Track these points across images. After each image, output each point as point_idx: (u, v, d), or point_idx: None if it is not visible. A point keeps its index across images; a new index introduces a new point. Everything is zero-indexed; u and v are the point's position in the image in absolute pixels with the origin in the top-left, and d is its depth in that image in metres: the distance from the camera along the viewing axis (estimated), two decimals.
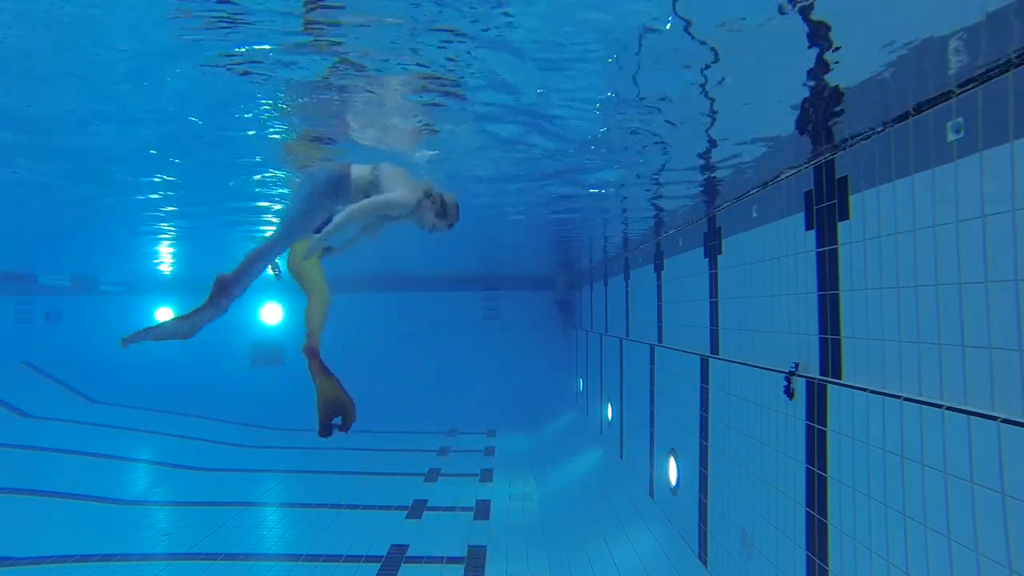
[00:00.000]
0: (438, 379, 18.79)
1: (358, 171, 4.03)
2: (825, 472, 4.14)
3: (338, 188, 3.99)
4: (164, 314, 20.36)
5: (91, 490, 10.81)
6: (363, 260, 13.88)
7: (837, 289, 4.14)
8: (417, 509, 10.21)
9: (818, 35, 2.69)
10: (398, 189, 3.89)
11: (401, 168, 4.07)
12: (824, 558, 4.13)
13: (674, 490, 7.49)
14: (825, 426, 4.16)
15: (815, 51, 2.86)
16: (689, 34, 2.71)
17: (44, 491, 10.46)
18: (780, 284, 5.00)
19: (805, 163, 4.57)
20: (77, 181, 6.04)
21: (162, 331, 4.14)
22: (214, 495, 11.12)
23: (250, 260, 4.11)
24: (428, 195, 3.97)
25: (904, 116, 3.43)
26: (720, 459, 6.04)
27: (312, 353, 5.44)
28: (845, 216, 4.06)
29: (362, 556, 8.22)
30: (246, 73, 3.35)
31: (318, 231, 4.12)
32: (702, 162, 5.02)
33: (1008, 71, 2.73)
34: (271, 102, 3.87)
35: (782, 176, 4.97)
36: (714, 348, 6.47)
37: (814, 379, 4.35)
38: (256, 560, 8.15)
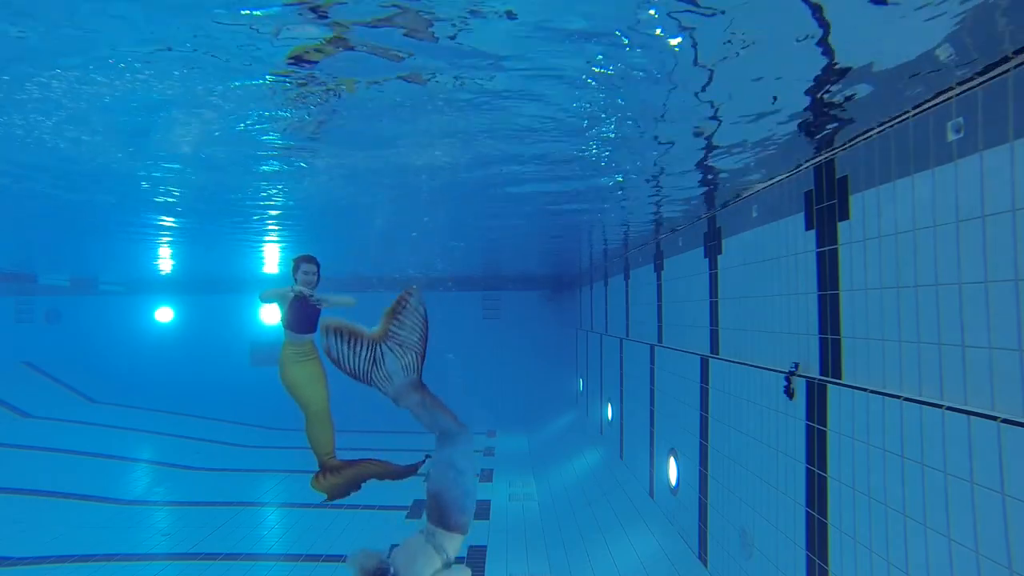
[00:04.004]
0: (437, 379, 18.76)
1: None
2: (825, 472, 4.14)
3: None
4: (164, 314, 20.38)
5: (91, 490, 10.82)
6: (363, 261, 13.89)
7: (837, 289, 4.14)
8: (417, 509, 10.21)
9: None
10: None
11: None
12: (824, 558, 4.13)
13: (674, 490, 7.49)
14: (825, 426, 4.16)
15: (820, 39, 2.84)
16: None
17: (44, 491, 10.46)
18: (780, 284, 5.00)
19: (805, 163, 4.57)
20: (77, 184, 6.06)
21: None
22: (214, 495, 11.13)
23: None
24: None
25: (904, 116, 3.43)
26: (720, 459, 6.04)
27: (329, 467, 5.22)
28: (845, 216, 4.06)
29: None
30: None
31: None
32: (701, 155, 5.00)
33: (1008, 71, 2.73)
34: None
35: (782, 176, 4.97)
36: (714, 348, 6.47)
37: (814, 379, 4.35)
38: (256, 560, 8.16)
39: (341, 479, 5.27)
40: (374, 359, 3.70)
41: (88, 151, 4.83)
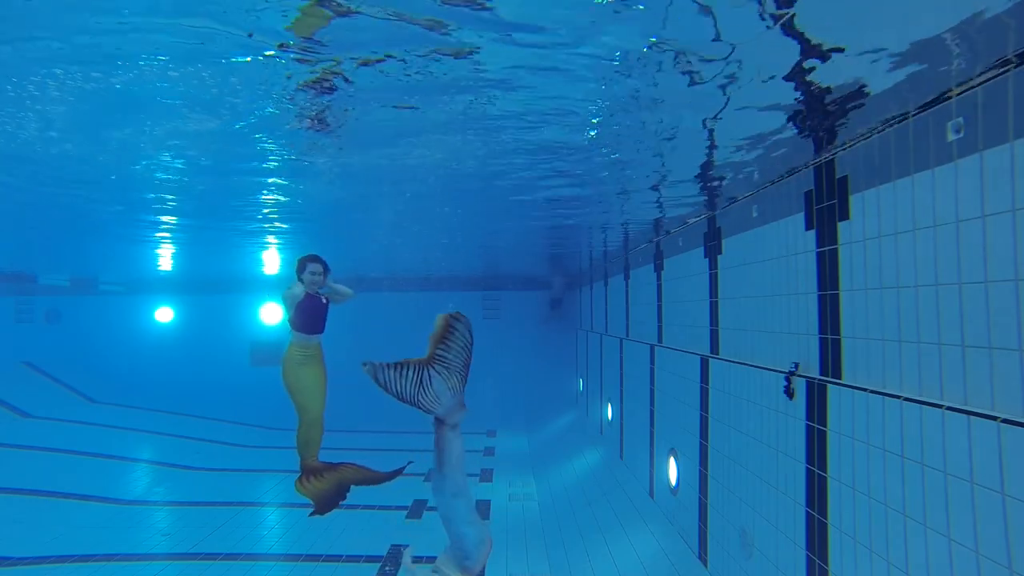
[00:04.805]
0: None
1: None
2: (825, 472, 4.14)
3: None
4: (164, 314, 20.38)
5: (91, 490, 10.82)
6: (363, 261, 13.90)
7: (837, 289, 4.14)
8: (417, 509, 10.21)
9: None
10: None
11: None
12: (824, 558, 4.13)
13: (674, 490, 7.49)
14: (825, 426, 4.16)
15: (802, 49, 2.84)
16: None
17: (44, 491, 10.46)
18: (780, 284, 5.00)
19: (805, 163, 4.57)
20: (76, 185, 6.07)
21: None
22: (214, 495, 11.13)
23: None
24: None
25: (904, 116, 3.43)
26: (720, 459, 6.04)
27: (311, 469, 5.26)
28: (845, 216, 4.06)
29: (362, 556, 8.22)
30: None
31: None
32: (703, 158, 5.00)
33: (1008, 71, 2.73)
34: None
35: (782, 176, 4.97)
36: (714, 348, 6.47)
37: (814, 379, 4.35)
38: (256, 560, 8.16)
39: (324, 483, 5.28)
40: (420, 382, 3.83)
41: (86, 151, 4.83)
